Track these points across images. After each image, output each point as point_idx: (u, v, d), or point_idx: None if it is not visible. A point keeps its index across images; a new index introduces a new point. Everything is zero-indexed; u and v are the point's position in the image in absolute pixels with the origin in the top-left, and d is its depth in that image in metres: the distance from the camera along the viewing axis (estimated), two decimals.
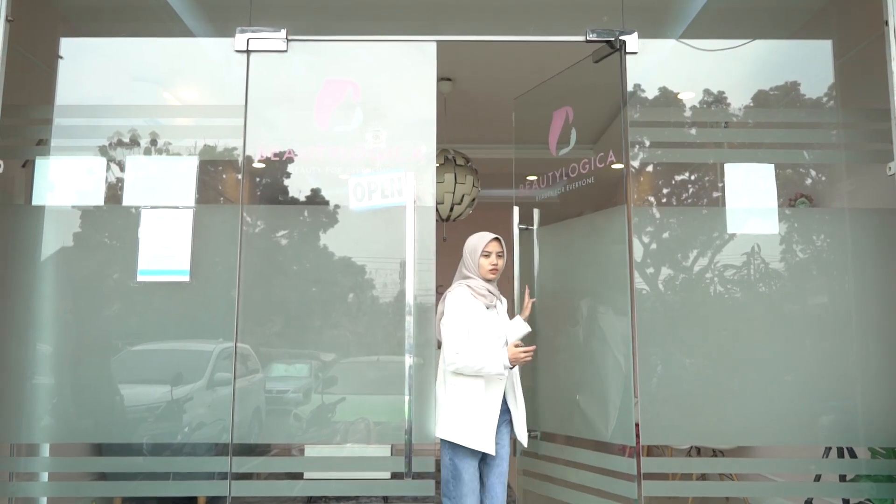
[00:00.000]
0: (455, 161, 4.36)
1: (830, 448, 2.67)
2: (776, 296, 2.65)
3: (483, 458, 2.50)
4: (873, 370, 2.58)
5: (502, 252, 2.60)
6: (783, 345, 2.62)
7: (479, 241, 2.59)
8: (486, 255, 2.57)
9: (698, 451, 3.01)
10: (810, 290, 2.66)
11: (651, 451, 2.92)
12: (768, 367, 2.61)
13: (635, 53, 2.73)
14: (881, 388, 2.57)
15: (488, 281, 2.59)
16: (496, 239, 2.59)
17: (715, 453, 2.95)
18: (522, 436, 2.57)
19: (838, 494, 2.66)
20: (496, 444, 2.47)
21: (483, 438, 2.42)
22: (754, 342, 2.63)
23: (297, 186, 2.70)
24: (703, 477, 2.86)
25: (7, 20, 2.51)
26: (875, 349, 2.59)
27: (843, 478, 2.65)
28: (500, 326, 2.59)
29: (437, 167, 2.78)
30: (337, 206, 2.69)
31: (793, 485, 2.70)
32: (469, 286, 2.55)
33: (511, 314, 2.74)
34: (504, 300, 2.68)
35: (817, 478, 2.66)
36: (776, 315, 2.64)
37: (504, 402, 2.53)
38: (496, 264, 2.58)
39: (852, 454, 2.67)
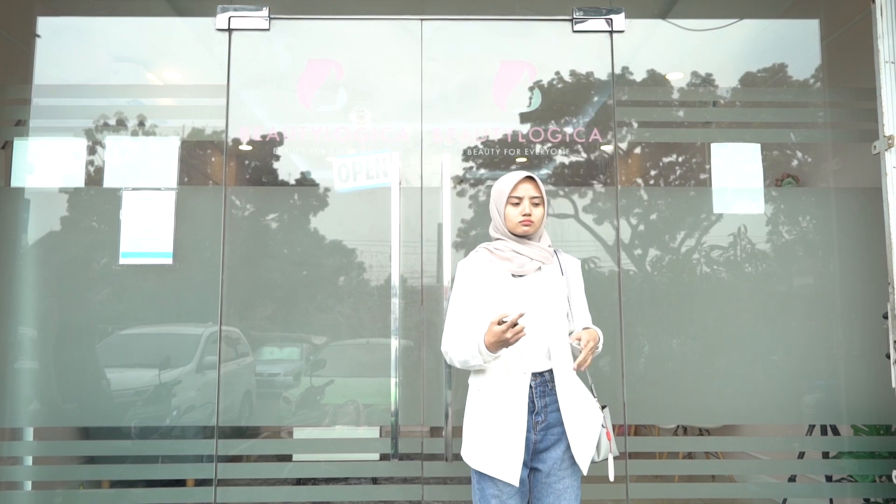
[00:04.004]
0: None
1: (814, 426, 2.70)
2: (762, 276, 2.66)
3: (532, 482, 1.88)
4: (857, 349, 2.61)
5: (539, 198, 1.91)
6: (769, 325, 2.64)
7: (505, 185, 1.91)
8: (516, 201, 1.89)
9: (685, 431, 3.03)
10: (796, 270, 2.67)
11: (638, 430, 2.94)
12: (754, 347, 2.63)
13: (622, 32, 2.71)
14: (864, 367, 2.59)
15: (521, 237, 1.92)
16: (529, 178, 1.91)
17: (701, 432, 2.98)
18: (582, 457, 1.82)
19: (821, 471, 2.69)
20: (547, 463, 1.83)
21: (499, 462, 1.79)
22: (740, 322, 2.64)
23: (281, 167, 2.68)
24: (689, 455, 2.89)
25: None
26: (859, 328, 2.62)
27: (826, 455, 2.68)
28: (537, 299, 1.87)
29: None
30: (321, 188, 2.67)
31: (777, 462, 2.73)
32: (489, 248, 1.95)
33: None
34: (567, 260, 2.00)
35: (801, 455, 2.69)
36: (762, 295, 2.65)
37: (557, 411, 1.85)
38: (529, 214, 1.88)
39: (835, 432, 2.70)
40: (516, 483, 1.77)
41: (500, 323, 1.71)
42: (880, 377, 2.53)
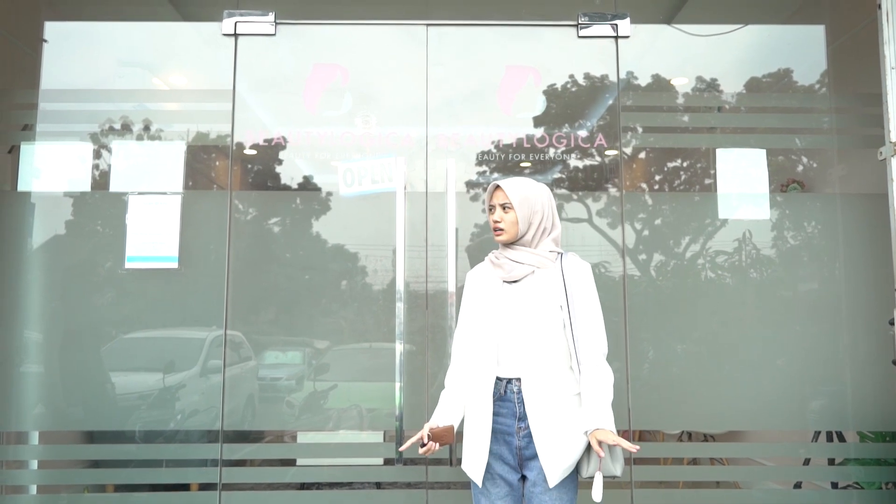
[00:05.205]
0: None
1: (820, 432, 2.69)
2: (767, 281, 2.66)
3: (523, 488, 1.88)
4: (862, 355, 2.60)
5: (508, 204, 1.89)
6: (774, 330, 2.63)
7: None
8: (490, 209, 1.94)
9: (689, 436, 3.01)
10: (801, 276, 2.67)
11: (642, 436, 2.93)
12: (759, 353, 2.62)
13: (627, 38, 2.71)
14: (870, 373, 2.58)
15: (511, 244, 1.93)
16: (495, 187, 1.93)
17: (706, 438, 2.96)
18: (551, 470, 1.78)
19: (827, 478, 2.68)
20: (533, 472, 1.82)
21: (468, 460, 1.88)
22: (745, 327, 2.64)
23: (286, 172, 2.68)
24: (693, 461, 2.87)
25: None
26: (864, 334, 2.60)
27: (831, 461, 2.67)
28: (522, 305, 1.86)
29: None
30: (326, 192, 2.67)
31: (783, 469, 2.72)
32: (490, 258, 1.97)
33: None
34: (571, 265, 1.90)
35: (806, 462, 2.68)
36: (767, 300, 2.65)
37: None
38: (498, 221, 1.90)
39: (841, 438, 2.68)
40: (479, 482, 1.84)
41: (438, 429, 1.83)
42: (886, 383, 2.53)
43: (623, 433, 2.44)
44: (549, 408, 1.81)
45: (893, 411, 2.55)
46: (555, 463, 1.78)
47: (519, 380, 1.83)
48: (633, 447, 1.69)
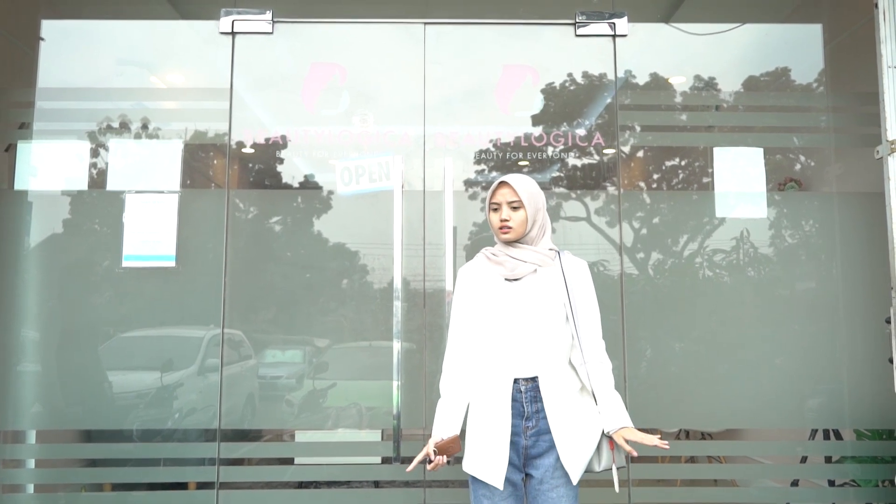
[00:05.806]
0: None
1: (817, 430, 2.70)
2: (765, 280, 2.66)
3: (526, 487, 1.86)
4: (859, 354, 2.61)
5: (518, 202, 1.84)
6: (771, 329, 2.64)
7: (488, 192, 1.92)
8: (495, 207, 1.88)
9: (687, 435, 3.02)
10: (798, 275, 2.67)
11: None
12: (756, 351, 2.63)
13: (625, 36, 2.72)
14: (867, 372, 2.59)
15: (512, 242, 1.89)
16: (505, 183, 1.86)
17: (703, 436, 2.97)
18: (572, 467, 1.78)
19: (824, 476, 2.69)
20: (540, 469, 1.80)
21: (483, 465, 1.81)
22: (743, 326, 2.64)
23: (284, 170, 2.68)
24: (691, 460, 2.88)
25: None
26: (861, 333, 2.61)
27: (828, 459, 2.68)
28: (528, 303, 1.84)
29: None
30: (324, 191, 2.67)
31: (780, 467, 2.73)
32: (486, 254, 1.93)
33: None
34: (571, 262, 1.91)
35: (803, 460, 2.69)
36: (764, 299, 2.65)
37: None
38: (507, 220, 1.84)
39: (838, 436, 2.69)
40: (500, 486, 1.78)
41: (442, 442, 1.79)
42: (883, 381, 2.53)
43: None
44: (565, 405, 1.82)
45: (890, 409, 2.56)
46: (576, 459, 1.78)
47: (528, 379, 1.82)
48: (666, 444, 1.70)
